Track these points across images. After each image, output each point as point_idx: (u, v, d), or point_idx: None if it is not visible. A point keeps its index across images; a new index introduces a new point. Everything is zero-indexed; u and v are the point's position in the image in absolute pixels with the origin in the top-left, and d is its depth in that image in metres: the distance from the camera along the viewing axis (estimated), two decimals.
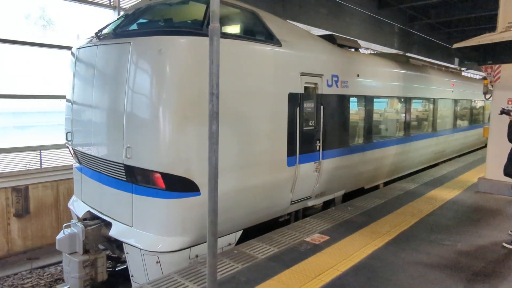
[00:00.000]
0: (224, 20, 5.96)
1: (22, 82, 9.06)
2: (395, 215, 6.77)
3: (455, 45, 7.33)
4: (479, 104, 16.72)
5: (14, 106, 9.02)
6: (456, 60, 27.32)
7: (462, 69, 24.77)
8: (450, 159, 13.82)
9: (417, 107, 11.21)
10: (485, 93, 8.78)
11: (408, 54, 21.70)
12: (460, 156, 14.51)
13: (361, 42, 18.27)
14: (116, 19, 6.26)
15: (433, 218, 6.67)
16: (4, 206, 8.15)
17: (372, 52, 20.04)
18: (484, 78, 8.70)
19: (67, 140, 6.25)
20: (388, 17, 19.21)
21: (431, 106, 11.87)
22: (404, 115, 10.15)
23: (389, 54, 11.77)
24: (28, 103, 9.26)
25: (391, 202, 7.62)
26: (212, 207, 3.10)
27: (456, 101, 13.83)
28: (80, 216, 6.07)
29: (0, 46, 8.51)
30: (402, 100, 10.06)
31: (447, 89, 13.06)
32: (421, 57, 22.28)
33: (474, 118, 16.07)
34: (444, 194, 8.31)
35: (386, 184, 9.71)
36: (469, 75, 25.71)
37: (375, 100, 8.69)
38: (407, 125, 10.24)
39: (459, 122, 14.35)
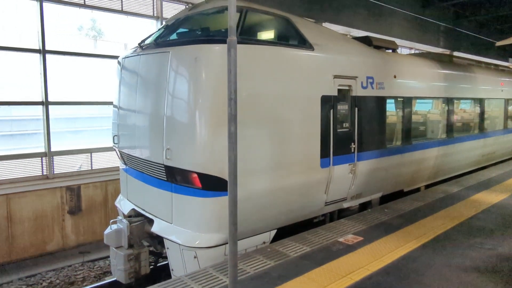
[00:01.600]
0: (259, 27, 6.20)
1: (75, 90, 9.84)
2: (434, 218, 6.63)
3: (498, 43, 7.10)
4: None
5: (68, 112, 9.81)
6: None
7: None
8: (502, 162, 13.13)
9: (460, 108, 10.81)
10: None
11: (455, 53, 20.83)
12: None
13: (404, 42, 17.90)
14: (157, 29, 6.68)
15: (474, 221, 6.47)
16: (60, 204, 8.88)
17: (416, 52, 19.47)
18: None
19: (114, 143, 6.73)
20: (433, 16, 18.55)
21: (477, 107, 11.38)
22: (445, 116, 9.83)
23: (431, 54, 11.44)
24: (80, 109, 10.04)
25: (431, 205, 7.45)
26: (232, 199, 3.36)
27: (507, 101, 13.14)
28: (126, 213, 6.52)
29: (56, 58, 9.29)
30: (443, 100, 9.76)
31: (496, 89, 12.46)
32: (470, 55, 21.31)
33: None
34: (490, 197, 7.99)
35: (428, 187, 9.46)
36: None
37: (413, 101, 8.54)
38: (449, 127, 9.91)
39: (510, 122, 13.61)
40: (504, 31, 24.26)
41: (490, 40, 23.87)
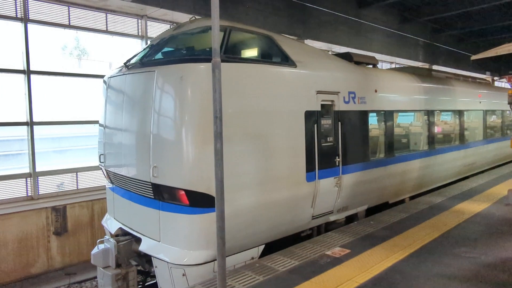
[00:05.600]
0: (243, 46, 6.35)
1: (60, 109, 9.80)
2: (419, 229, 6.75)
3: (473, 57, 7.38)
4: None
5: (53, 132, 9.75)
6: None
7: (495, 78, 24.09)
8: (483, 172, 13.47)
9: (441, 120, 11.12)
10: (510, 103, 8.66)
11: (434, 67, 21.47)
12: (494, 168, 14.10)
13: (385, 57, 18.41)
14: (142, 49, 6.78)
15: (458, 231, 6.61)
16: (45, 225, 8.74)
17: (397, 66, 20.00)
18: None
19: (100, 162, 6.72)
20: (411, 31, 19.19)
21: (457, 118, 11.73)
22: (427, 128, 10.11)
23: (410, 68, 11.81)
24: (66, 129, 9.99)
25: (415, 216, 7.59)
26: (219, 215, 3.42)
27: (485, 112, 13.57)
28: (113, 232, 6.47)
29: (40, 78, 9.27)
30: (424, 113, 10.05)
31: (474, 100, 12.87)
32: (449, 68, 21.97)
33: (509, 128, 15.62)
34: (472, 207, 8.17)
35: (412, 198, 9.63)
36: (502, 85, 24.96)
37: (394, 114, 8.77)
38: (431, 138, 10.17)
39: (490, 133, 14.02)
40: (480, 45, 25.16)
41: (467, 53, 24.71)
